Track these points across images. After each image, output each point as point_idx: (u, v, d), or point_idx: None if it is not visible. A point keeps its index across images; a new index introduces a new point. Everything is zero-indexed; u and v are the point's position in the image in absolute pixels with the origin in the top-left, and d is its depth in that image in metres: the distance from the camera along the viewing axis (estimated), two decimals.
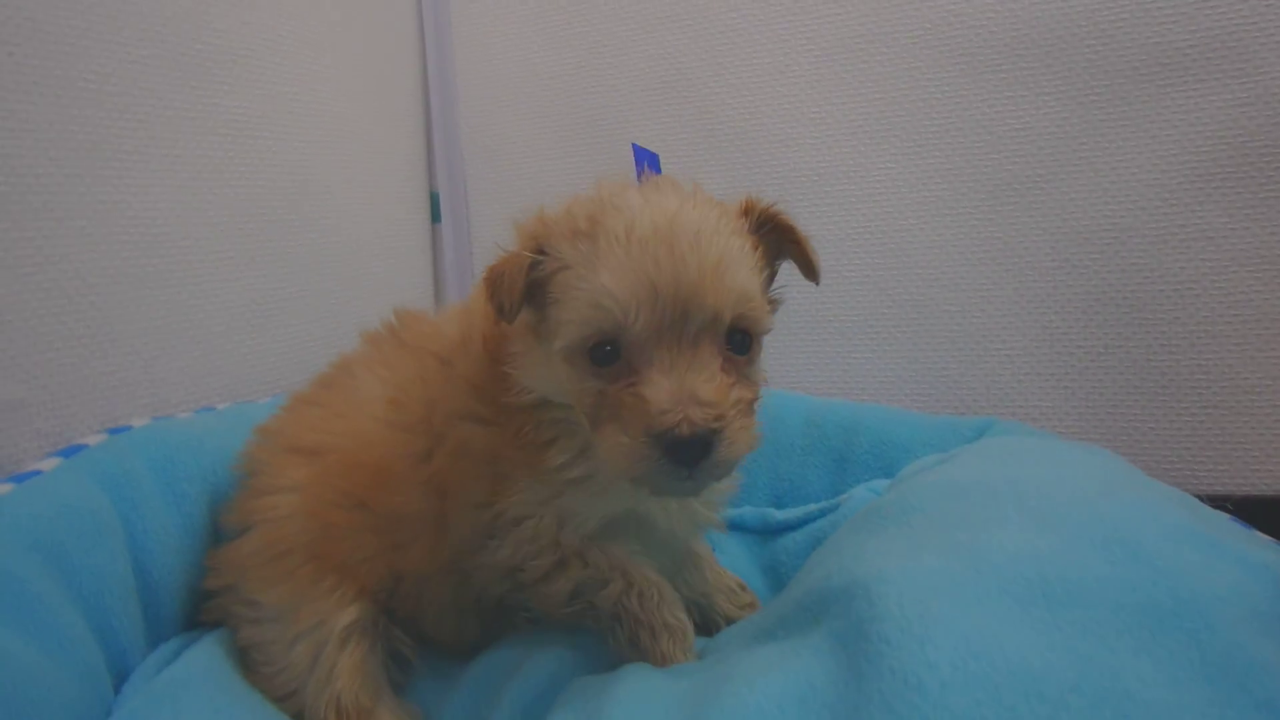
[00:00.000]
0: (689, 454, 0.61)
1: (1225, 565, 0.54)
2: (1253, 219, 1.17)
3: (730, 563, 0.99)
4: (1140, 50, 1.20)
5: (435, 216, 1.62)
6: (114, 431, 0.90)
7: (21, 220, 0.85)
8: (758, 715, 0.51)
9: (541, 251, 0.69)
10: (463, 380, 0.79)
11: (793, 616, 0.64)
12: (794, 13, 1.37)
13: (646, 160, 0.77)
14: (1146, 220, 1.22)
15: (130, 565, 0.80)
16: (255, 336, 1.16)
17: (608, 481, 0.74)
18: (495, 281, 0.69)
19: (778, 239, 0.75)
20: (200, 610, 0.88)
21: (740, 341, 0.68)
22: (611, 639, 0.77)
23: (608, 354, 0.66)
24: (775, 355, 0.88)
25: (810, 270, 0.76)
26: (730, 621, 0.90)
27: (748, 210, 0.73)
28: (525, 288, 0.68)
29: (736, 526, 1.10)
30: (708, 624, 0.91)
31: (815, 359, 1.40)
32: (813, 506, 1.06)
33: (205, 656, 0.79)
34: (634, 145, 0.78)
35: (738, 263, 0.66)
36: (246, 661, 0.81)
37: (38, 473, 0.78)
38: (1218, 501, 0.74)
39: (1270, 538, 0.70)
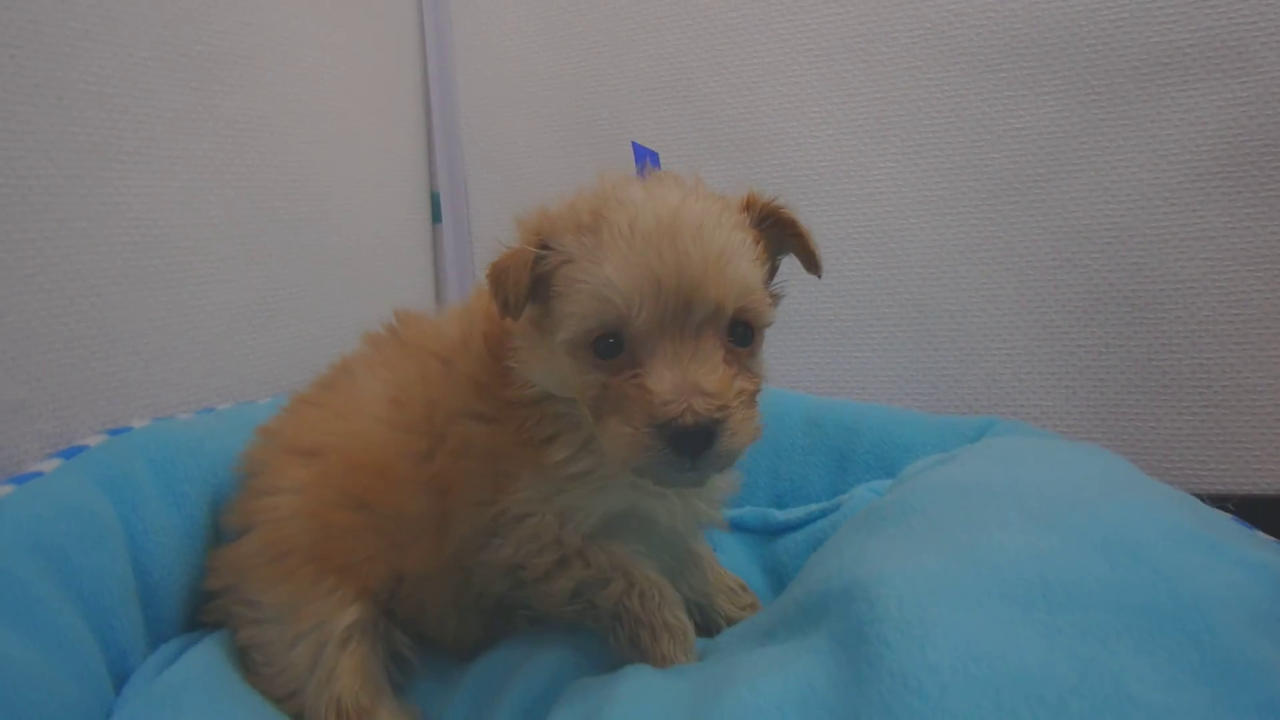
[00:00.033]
0: (692, 444, 0.62)
1: (1226, 566, 0.54)
2: (1253, 219, 1.17)
3: (731, 563, 0.99)
4: (1140, 50, 1.20)
5: (436, 216, 1.62)
6: (114, 432, 0.90)
7: (23, 221, 0.85)
8: (757, 717, 0.51)
9: (545, 246, 0.70)
10: (464, 378, 0.79)
11: (793, 618, 0.64)
12: (794, 12, 1.37)
13: (647, 159, 0.77)
14: (1146, 220, 1.22)
15: (130, 566, 0.81)
16: (256, 337, 1.16)
17: (610, 476, 0.75)
18: (499, 277, 0.69)
19: (779, 233, 0.75)
20: (201, 611, 0.88)
21: (742, 334, 0.68)
22: (612, 639, 0.77)
23: (611, 346, 0.66)
24: (775, 355, 0.88)
25: (812, 263, 0.77)
26: (731, 622, 0.90)
27: (749, 205, 0.73)
28: (530, 282, 0.69)
29: (737, 527, 1.10)
30: (709, 624, 0.91)
31: (815, 359, 1.40)
32: (813, 507, 1.06)
33: (205, 658, 0.79)
34: (634, 144, 0.78)
35: (740, 255, 0.67)
36: (247, 662, 0.81)
37: (38, 474, 0.79)
38: (1219, 501, 0.74)
39: (1272, 538, 0.70)
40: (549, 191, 0.75)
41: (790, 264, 0.80)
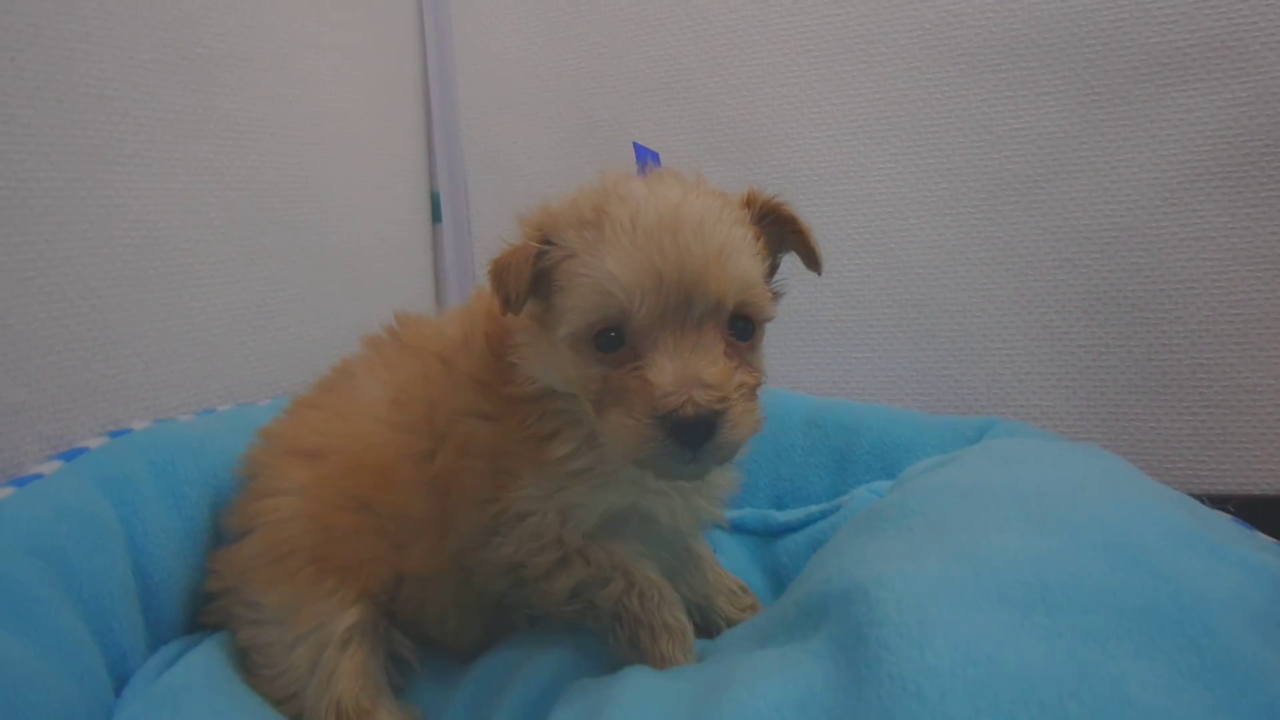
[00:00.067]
0: (693, 435, 0.62)
1: (1226, 569, 0.54)
2: (1253, 219, 1.17)
3: (731, 564, 0.99)
4: (1140, 50, 1.20)
5: (436, 217, 1.62)
6: (115, 434, 0.90)
7: (23, 224, 0.85)
8: None
9: (547, 241, 0.70)
10: (466, 377, 0.80)
11: (793, 620, 0.64)
12: (794, 13, 1.37)
13: (648, 158, 0.78)
14: (1146, 220, 1.22)
15: (130, 568, 0.81)
16: (256, 338, 1.16)
17: (611, 473, 0.75)
18: (501, 273, 0.70)
19: (779, 230, 0.76)
20: (201, 613, 0.88)
21: (743, 328, 0.69)
22: (611, 639, 0.77)
23: (612, 340, 0.67)
24: (775, 355, 0.88)
25: (813, 260, 0.77)
26: (731, 623, 0.90)
27: (750, 201, 0.74)
28: (532, 277, 0.69)
29: (737, 528, 1.10)
30: (708, 626, 0.91)
31: (815, 359, 1.40)
32: (814, 508, 1.06)
33: (206, 660, 0.79)
34: (635, 144, 0.79)
35: (740, 250, 0.68)
36: (247, 664, 0.81)
37: (38, 476, 0.79)
38: (1219, 502, 0.75)
39: (1272, 539, 0.70)
40: (549, 192, 0.75)
41: (791, 264, 0.80)
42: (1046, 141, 1.26)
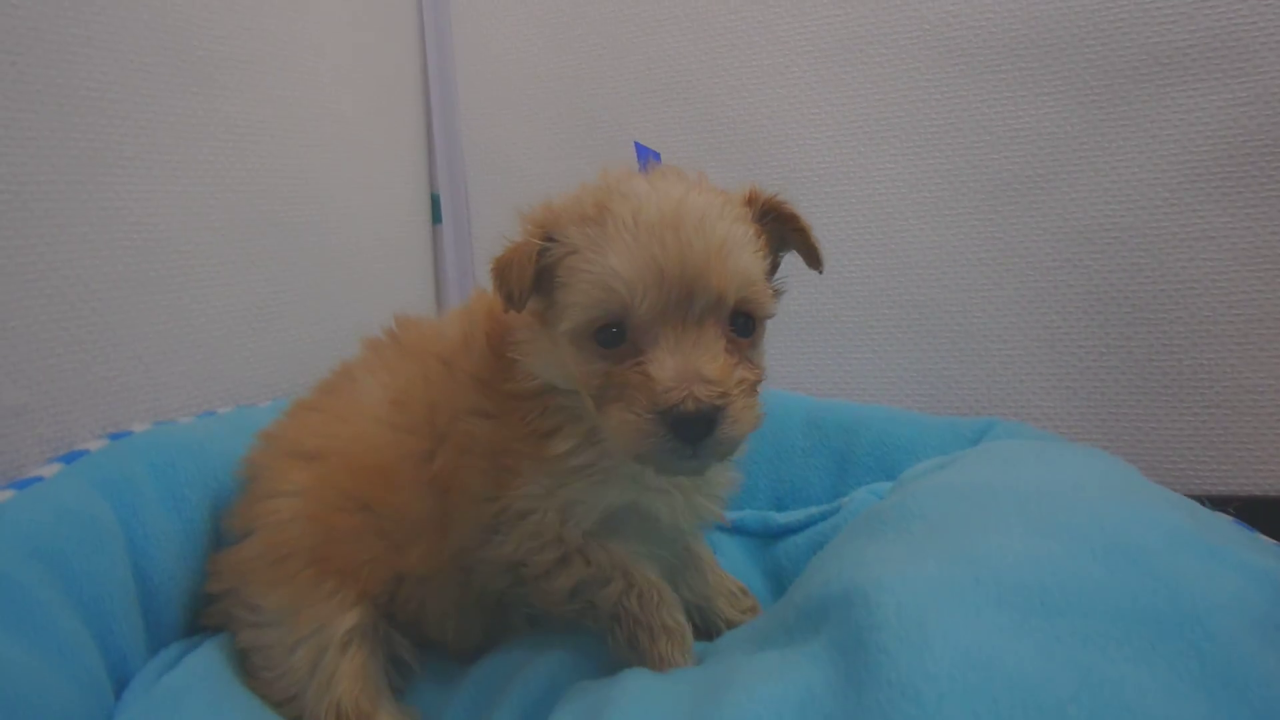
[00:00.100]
0: (694, 430, 0.62)
1: (1226, 572, 0.54)
2: (1253, 219, 1.17)
3: (731, 566, 0.99)
4: (1140, 50, 1.20)
5: (436, 218, 1.62)
6: (115, 437, 0.90)
7: (24, 226, 0.85)
8: None
9: (549, 238, 0.70)
10: (466, 376, 0.80)
11: (793, 623, 0.64)
12: (794, 14, 1.37)
13: (649, 157, 0.78)
14: (1146, 220, 1.22)
15: (131, 571, 0.81)
16: (256, 340, 1.16)
17: (611, 469, 0.75)
18: (503, 270, 0.70)
19: (780, 228, 0.76)
20: (201, 615, 0.88)
21: (744, 324, 0.69)
22: (610, 639, 0.77)
23: (614, 335, 0.67)
24: (775, 355, 0.88)
25: (814, 258, 0.78)
26: (731, 625, 0.90)
27: (751, 199, 0.74)
28: (534, 274, 0.69)
29: (737, 530, 1.10)
30: (708, 627, 0.91)
31: (815, 359, 1.40)
32: (814, 509, 1.05)
33: (206, 662, 0.79)
34: (636, 143, 0.79)
35: (741, 247, 0.68)
36: (247, 666, 0.81)
37: (39, 478, 0.79)
38: (1221, 502, 0.75)
39: (1273, 541, 0.70)
40: (549, 193, 0.76)
41: (791, 264, 0.80)
42: (1046, 142, 1.26)
